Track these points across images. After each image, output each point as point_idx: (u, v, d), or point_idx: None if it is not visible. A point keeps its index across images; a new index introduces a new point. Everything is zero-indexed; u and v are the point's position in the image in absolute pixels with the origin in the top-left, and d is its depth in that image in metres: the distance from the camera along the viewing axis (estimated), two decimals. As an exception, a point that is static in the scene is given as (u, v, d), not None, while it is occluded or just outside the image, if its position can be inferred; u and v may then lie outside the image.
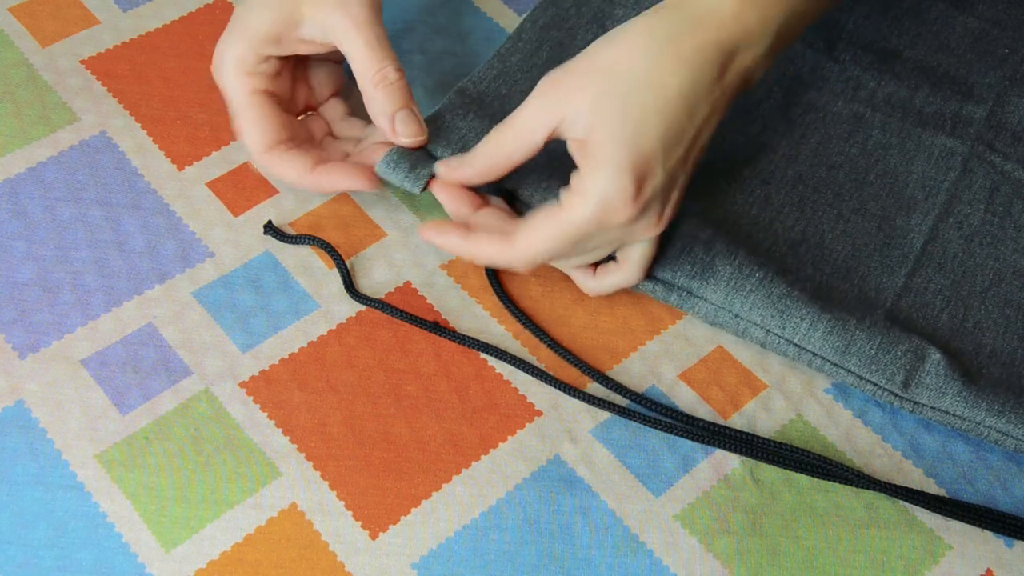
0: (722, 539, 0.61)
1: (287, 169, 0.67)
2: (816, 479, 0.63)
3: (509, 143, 0.62)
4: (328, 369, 0.65)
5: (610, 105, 0.59)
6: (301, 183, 0.67)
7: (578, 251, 0.63)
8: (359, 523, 0.60)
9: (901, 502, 0.62)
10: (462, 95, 0.72)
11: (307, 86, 0.72)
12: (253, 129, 0.67)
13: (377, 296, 0.68)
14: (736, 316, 0.66)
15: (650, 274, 0.67)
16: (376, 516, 0.60)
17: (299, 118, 0.72)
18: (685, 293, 0.67)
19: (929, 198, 0.73)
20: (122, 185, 0.71)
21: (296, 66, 0.71)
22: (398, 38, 0.80)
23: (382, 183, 0.66)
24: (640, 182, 0.59)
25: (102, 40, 0.78)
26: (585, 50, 0.62)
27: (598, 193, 0.59)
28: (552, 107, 0.60)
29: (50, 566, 0.58)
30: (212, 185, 0.72)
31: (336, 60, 0.73)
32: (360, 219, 0.71)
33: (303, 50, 0.68)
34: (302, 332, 0.66)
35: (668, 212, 0.62)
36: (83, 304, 0.66)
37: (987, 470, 0.64)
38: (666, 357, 0.67)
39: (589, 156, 0.59)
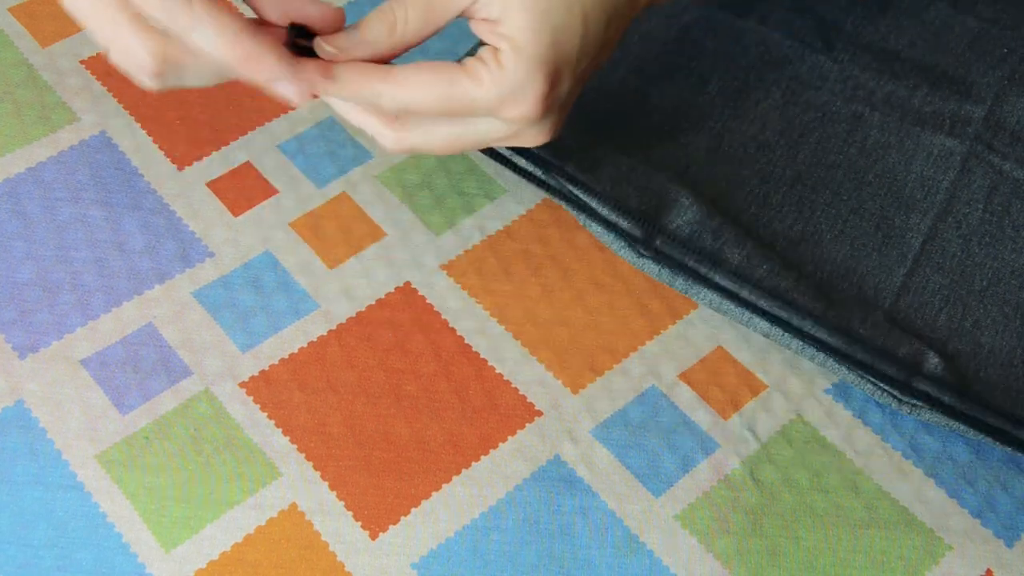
0: (722, 539, 0.61)
1: (218, 19, 0.51)
2: (816, 479, 0.63)
3: (414, 27, 0.56)
4: (328, 369, 0.65)
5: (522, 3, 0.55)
6: (229, 48, 0.52)
7: (450, 122, 0.58)
8: (359, 523, 0.60)
9: (901, 502, 0.62)
10: None
11: None
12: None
13: (377, 297, 0.68)
14: (742, 304, 0.66)
15: (658, 250, 0.67)
16: (376, 516, 0.60)
17: None
18: (692, 276, 0.67)
19: (928, 197, 0.73)
20: (122, 185, 0.71)
21: None
22: (398, 38, 0.80)
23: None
24: (553, 83, 0.56)
25: (102, 40, 0.78)
26: None
27: (511, 78, 0.55)
28: None
29: (50, 566, 0.58)
30: (212, 185, 0.72)
31: None
32: (360, 219, 0.71)
33: None
34: (302, 332, 0.66)
35: (559, 125, 0.59)
36: (83, 304, 0.66)
37: (987, 470, 0.64)
38: (666, 357, 0.67)
39: (505, 39, 0.55)
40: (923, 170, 0.74)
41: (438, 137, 0.59)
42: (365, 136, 0.75)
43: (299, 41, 0.56)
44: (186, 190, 0.71)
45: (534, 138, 0.59)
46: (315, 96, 0.56)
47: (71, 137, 0.73)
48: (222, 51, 0.52)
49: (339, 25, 0.56)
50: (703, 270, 0.67)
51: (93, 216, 0.69)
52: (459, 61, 0.57)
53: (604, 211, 0.68)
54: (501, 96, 0.56)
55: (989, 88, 0.79)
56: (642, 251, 0.68)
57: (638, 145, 0.74)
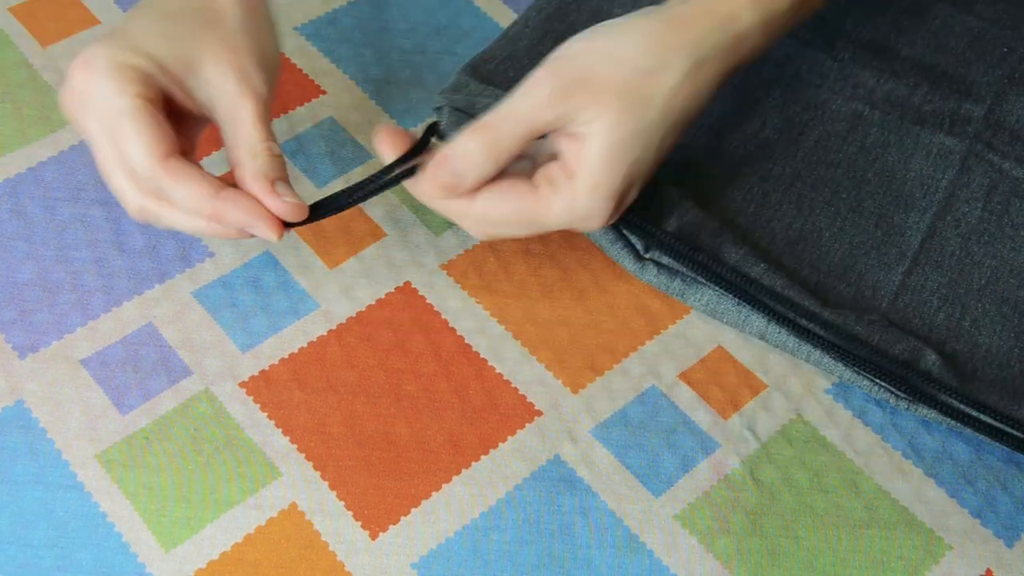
0: (722, 539, 0.61)
1: (191, 185, 0.57)
2: (816, 479, 0.63)
3: (514, 146, 0.60)
4: (328, 369, 0.65)
5: (624, 130, 0.60)
6: (200, 208, 0.58)
7: (533, 230, 0.63)
8: (359, 523, 0.60)
9: (901, 502, 0.62)
10: (473, 71, 0.73)
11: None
12: (146, 132, 0.57)
13: (377, 297, 0.68)
14: (738, 304, 0.66)
15: (658, 260, 0.67)
16: (376, 516, 0.60)
17: None
18: (689, 280, 0.67)
19: (927, 196, 0.73)
20: (122, 185, 0.71)
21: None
22: (399, 38, 0.80)
23: (288, 229, 0.61)
24: (619, 205, 0.62)
25: (101, 39, 0.78)
26: (609, 40, 0.62)
27: (582, 208, 0.61)
28: (568, 98, 0.60)
29: (50, 566, 0.58)
30: (212, 185, 0.72)
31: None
32: (360, 219, 0.71)
33: (178, 99, 0.60)
34: (302, 332, 0.66)
35: (620, 214, 0.64)
36: (83, 304, 0.66)
37: (987, 470, 0.64)
38: (666, 357, 0.67)
39: (583, 165, 0.60)
40: (922, 169, 0.74)
41: (512, 233, 0.63)
42: (365, 134, 0.75)
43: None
44: (186, 190, 0.71)
45: (593, 227, 0.64)
46: (288, 227, 0.61)
47: (71, 137, 0.73)
48: (195, 207, 0.58)
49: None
50: (702, 257, 0.66)
51: (93, 216, 0.69)
52: (533, 173, 0.62)
53: None
54: (572, 221, 0.62)
55: (989, 87, 0.79)
56: (641, 252, 0.68)
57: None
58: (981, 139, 0.76)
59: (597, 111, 0.59)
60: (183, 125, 0.61)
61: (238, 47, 0.60)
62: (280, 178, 0.60)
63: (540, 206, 0.61)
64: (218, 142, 0.73)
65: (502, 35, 0.77)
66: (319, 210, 0.62)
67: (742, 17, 0.63)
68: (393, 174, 0.62)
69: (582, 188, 0.60)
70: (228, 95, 0.60)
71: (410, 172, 0.62)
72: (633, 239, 0.68)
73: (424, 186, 0.61)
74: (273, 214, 0.59)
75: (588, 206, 0.61)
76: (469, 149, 0.60)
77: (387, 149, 0.62)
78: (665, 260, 0.67)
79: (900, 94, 0.78)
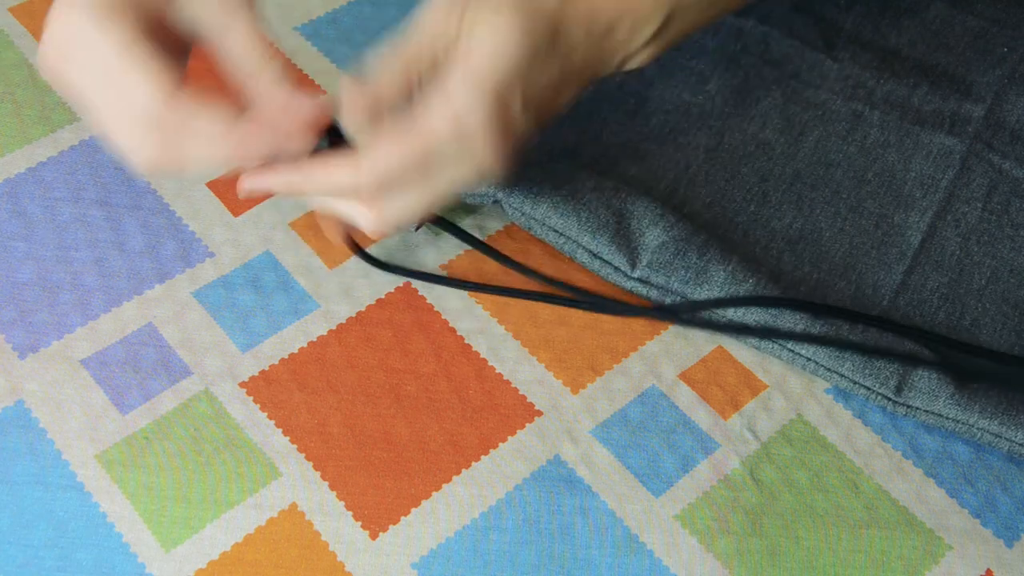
0: (722, 539, 0.61)
1: (211, 112, 0.54)
2: (816, 479, 0.63)
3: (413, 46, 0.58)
4: (328, 369, 0.65)
5: (508, 34, 0.57)
6: (225, 136, 0.54)
7: (428, 172, 0.58)
8: (359, 523, 0.60)
9: (901, 502, 0.62)
10: None
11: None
12: (152, 66, 0.54)
13: (377, 297, 0.68)
14: (730, 321, 0.66)
15: (645, 279, 0.67)
16: (376, 516, 0.60)
17: None
18: (679, 298, 0.67)
19: (927, 196, 0.73)
20: (122, 185, 0.71)
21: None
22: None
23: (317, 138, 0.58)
24: (499, 128, 0.58)
25: (101, 39, 0.78)
26: None
27: (457, 106, 0.56)
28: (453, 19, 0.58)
29: (50, 566, 0.58)
30: (212, 185, 0.71)
31: None
32: (360, 219, 0.71)
33: (161, 29, 0.56)
34: (302, 332, 0.66)
35: (511, 155, 0.60)
36: (83, 304, 0.66)
37: (987, 470, 0.64)
38: (666, 357, 0.67)
39: (457, 59, 0.57)
40: (922, 169, 0.74)
41: (412, 200, 0.59)
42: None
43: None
44: (186, 190, 0.71)
45: (491, 167, 0.59)
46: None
47: (71, 137, 0.73)
48: (218, 136, 0.55)
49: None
50: (689, 291, 0.67)
51: (93, 216, 0.69)
52: None
53: (584, 240, 0.68)
54: (456, 133, 0.57)
55: (989, 87, 0.79)
56: (628, 276, 0.68)
57: (636, 146, 0.74)
58: (981, 139, 0.76)
59: (487, 18, 0.57)
60: (169, 56, 0.57)
61: None
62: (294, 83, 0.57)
63: (418, 128, 0.56)
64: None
65: None
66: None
67: None
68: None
69: (454, 80, 0.57)
70: (218, 16, 0.57)
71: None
72: (618, 261, 0.68)
73: (345, 114, 0.58)
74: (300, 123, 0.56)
75: (465, 102, 0.56)
76: (381, 70, 0.59)
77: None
78: (654, 280, 0.67)
79: (900, 94, 0.78)
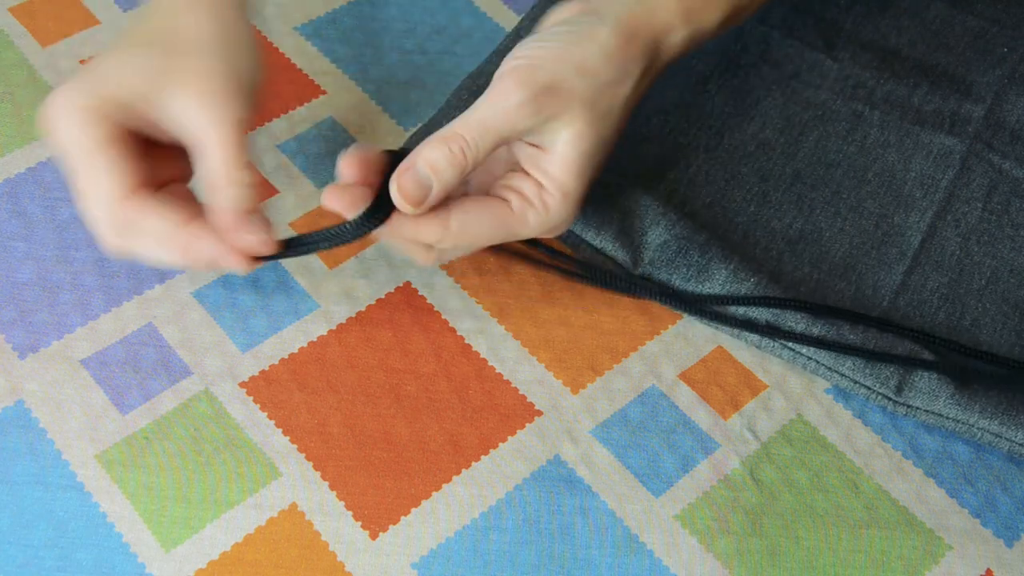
0: (722, 539, 0.61)
1: (156, 218, 0.58)
2: (816, 479, 0.63)
3: (481, 154, 0.59)
4: (328, 369, 0.65)
5: (590, 141, 0.61)
6: (170, 242, 0.59)
7: (506, 239, 0.63)
8: (359, 523, 0.60)
9: (901, 502, 0.62)
10: (468, 92, 0.73)
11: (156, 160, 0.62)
12: (110, 169, 0.58)
13: (377, 297, 0.68)
14: (731, 321, 0.66)
15: (647, 277, 0.67)
16: (376, 516, 0.60)
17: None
18: (676, 302, 0.67)
19: (927, 196, 0.73)
20: (122, 185, 0.71)
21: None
22: (399, 38, 0.80)
23: (262, 261, 0.61)
24: (584, 199, 0.63)
25: (102, 40, 0.78)
26: (574, 50, 0.61)
27: (555, 217, 0.61)
28: (540, 109, 0.59)
29: (50, 566, 0.58)
30: (212, 185, 0.71)
31: None
32: (360, 219, 0.71)
33: (153, 133, 0.60)
34: (302, 332, 0.66)
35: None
36: (83, 304, 0.66)
37: (987, 470, 0.64)
38: (666, 357, 0.67)
39: (549, 178, 0.61)
40: (922, 169, 0.74)
41: (479, 247, 0.64)
42: (365, 134, 0.75)
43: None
44: (186, 190, 0.71)
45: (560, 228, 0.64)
46: (262, 260, 0.61)
47: (71, 137, 0.73)
48: (164, 240, 0.59)
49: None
50: (691, 289, 0.67)
51: (93, 216, 0.69)
52: (505, 192, 0.62)
53: (588, 236, 0.68)
54: (544, 231, 0.63)
55: (989, 87, 0.79)
56: (631, 273, 0.68)
57: (636, 146, 0.74)
58: (981, 139, 0.76)
59: (565, 121, 0.60)
60: (167, 155, 0.61)
61: (206, 73, 0.59)
62: (251, 210, 0.59)
63: (515, 220, 0.61)
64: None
65: (494, 51, 0.77)
66: (292, 247, 0.61)
67: (675, 30, 0.64)
68: (367, 221, 0.60)
69: (554, 200, 0.61)
70: (193, 126, 0.58)
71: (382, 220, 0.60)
72: (621, 258, 0.68)
73: (392, 195, 0.59)
74: (240, 251, 0.59)
75: (560, 215, 0.62)
76: (435, 159, 0.58)
77: (353, 174, 0.60)
78: (656, 277, 0.67)
79: (900, 94, 0.78)
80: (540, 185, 0.61)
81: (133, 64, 0.59)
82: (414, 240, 0.61)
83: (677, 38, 0.64)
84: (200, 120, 0.58)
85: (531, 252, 0.68)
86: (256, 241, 0.59)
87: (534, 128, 0.60)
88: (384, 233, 0.61)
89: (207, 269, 0.61)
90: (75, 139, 0.58)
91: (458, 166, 0.59)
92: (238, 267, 0.60)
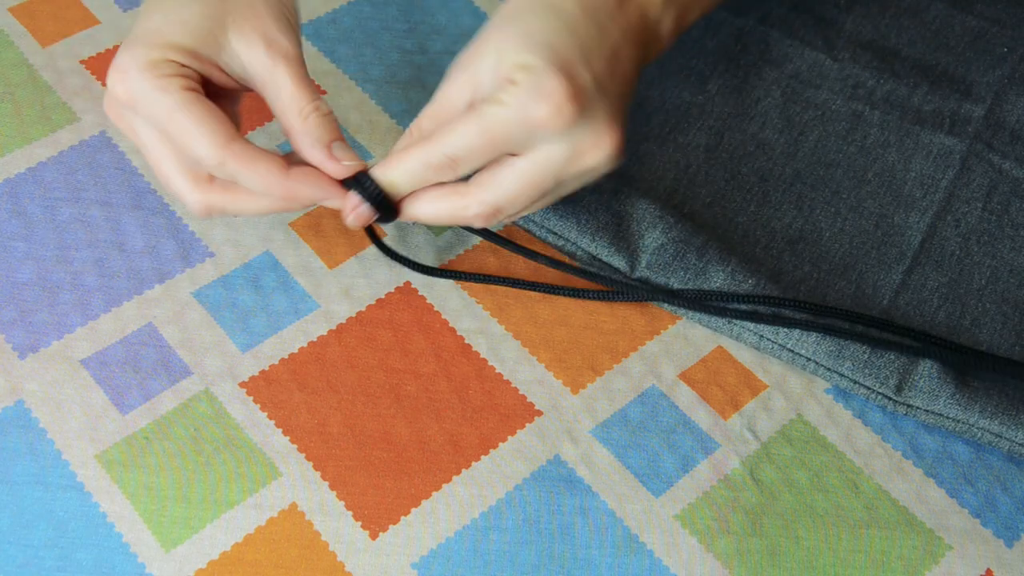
0: (722, 539, 0.61)
1: (259, 167, 0.58)
2: (816, 479, 0.63)
3: (429, 132, 0.59)
4: (328, 369, 0.65)
5: (513, 34, 0.58)
6: (271, 188, 0.58)
7: (514, 165, 0.59)
8: (359, 523, 0.60)
9: (901, 502, 0.62)
10: None
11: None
12: (205, 122, 0.57)
13: (377, 297, 0.68)
14: (730, 321, 0.66)
15: (644, 280, 0.67)
16: (376, 516, 0.60)
17: None
18: (676, 301, 0.67)
19: (927, 196, 0.73)
20: (122, 185, 0.71)
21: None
22: (399, 38, 0.80)
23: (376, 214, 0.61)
24: (567, 76, 0.57)
25: (102, 40, 0.78)
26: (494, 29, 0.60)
27: (527, 86, 0.56)
28: (461, 79, 0.59)
29: (50, 566, 0.58)
30: (212, 185, 0.72)
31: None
32: (360, 219, 0.71)
33: (216, 79, 0.60)
34: (302, 332, 0.66)
35: (617, 126, 0.60)
36: (83, 304, 0.66)
37: (987, 470, 0.64)
38: (666, 357, 0.67)
39: (511, 71, 0.57)
40: (922, 169, 0.74)
41: (511, 184, 0.60)
42: (364, 134, 0.75)
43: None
44: (186, 190, 0.71)
45: (595, 144, 0.59)
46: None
47: (71, 137, 0.73)
48: (266, 189, 0.59)
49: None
50: (687, 293, 0.67)
51: (93, 216, 0.69)
52: None
53: (584, 243, 0.68)
54: (525, 104, 0.56)
55: (989, 87, 0.79)
56: (627, 278, 0.68)
57: (636, 146, 0.74)
58: (981, 139, 0.76)
59: (485, 56, 0.58)
60: (223, 103, 0.61)
61: (258, 12, 0.60)
62: (335, 139, 0.60)
63: (492, 107, 0.57)
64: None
65: None
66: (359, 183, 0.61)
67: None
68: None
69: (518, 74, 0.57)
70: (260, 64, 0.59)
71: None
72: (617, 263, 0.68)
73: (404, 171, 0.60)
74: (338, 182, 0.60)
75: (527, 81, 0.56)
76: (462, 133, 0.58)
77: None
78: (654, 281, 0.67)
79: (900, 94, 0.78)
80: (507, 79, 0.57)
81: (183, 14, 0.59)
82: (410, 171, 0.60)
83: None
84: (265, 57, 0.59)
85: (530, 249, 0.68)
86: (349, 168, 0.60)
87: (473, 95, 0.59)
88: (389, 179, 0.60)
89: (301, 208, 0.61)
90: (160, 94, 0.57)
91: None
92: (345, 205, 0.60)
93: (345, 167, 0.60)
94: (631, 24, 0.62)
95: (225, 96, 0.62)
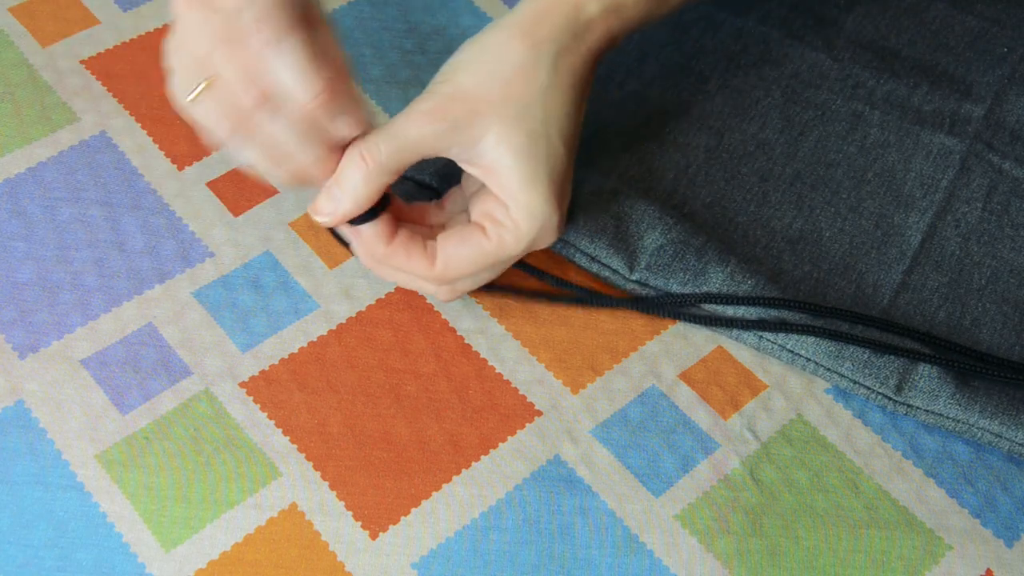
0: (722, 539, 0.61)
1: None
2: (816, 479, 0.63)
3: (387, 167, 0.59)
4: (328, 369, 0.65)
5: (519, 147, 0.60)
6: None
7: (493, 273, 0.65)
8: (359, 523, 0.60)
9: (901, 502, 0.62)
10: None
11: None
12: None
13: (377, 297, 0.68)
14: (729, 322, 0.66)
15: (644, 282, 0.67)
16: (376, 516, 0.60)
17: None
18: (675, 306, 0.67)
19: (927, 196, 0.73)
20: (122, 185, 0.71)
21: None
22: (399, 38, 0.80)
23: None
24: (560, 205, 0.62)
25: (102, 40, 0.78)
26: (475, 55, 0.62)
27: (531, 230, 0.61)
28: (443, 136, 0.59)
29: (50, 566, 0.58)
30: (212, 185, 0.72)
31: None
32: (360, 219, 0.71)
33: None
34: (302, 332, 0.66)
35: (565, 216, 0.65)
36: (83, 304, 0.66)
37: (987, 470, 0.64)
38: (666, 357, 0.67)
39: (506, 190, 0.60)
40: (922, 168, 0.74)
41: (478, 282, 0.65)
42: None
43: None
44: (186, 190, 0.71)
45: (548, 241, 0.64)
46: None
47: (71, 137, 0.73)
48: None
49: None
50: (686, 295, 0.67)
51: (93, 216, 0.69)
52: (481, 219, 0.63)
53: (582, 244, 0.68)
54: (528, 245, 0.62)
55: (989, 87, 0.79)
56: (627, 278, 0.68)
57: (636, 146, 0.74)
58: (981, 139, 0.76)
59: (480, 127, 0.59)
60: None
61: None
62: None
63: (493, 246, 0.62)
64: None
65: None
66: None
67: (587, 7, 0.63)
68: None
69: (519, 213, 0.61)
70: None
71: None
72: (616, 264, 0.68)
73: (312, 211, 0.61)
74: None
75: (532, 223, 0.61)
76: (347, 177, 0.59)
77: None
78: (652, 283, 0.67)
79: (900, 94, 0.78)
80: (504, 203, 0.61)
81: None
82: (411, 274, 0.63)
83: (592, 12, 0.63)
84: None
85: (529, 284, 0.69)
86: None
87: (452, 143, 0.60)
88: (385, 274, 0.64)
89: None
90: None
91: (373, 184, 0.59)
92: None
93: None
94: (587, 74, 0.64)
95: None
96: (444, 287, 0.64)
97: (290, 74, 0.56)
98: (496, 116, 0.60)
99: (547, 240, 0.63)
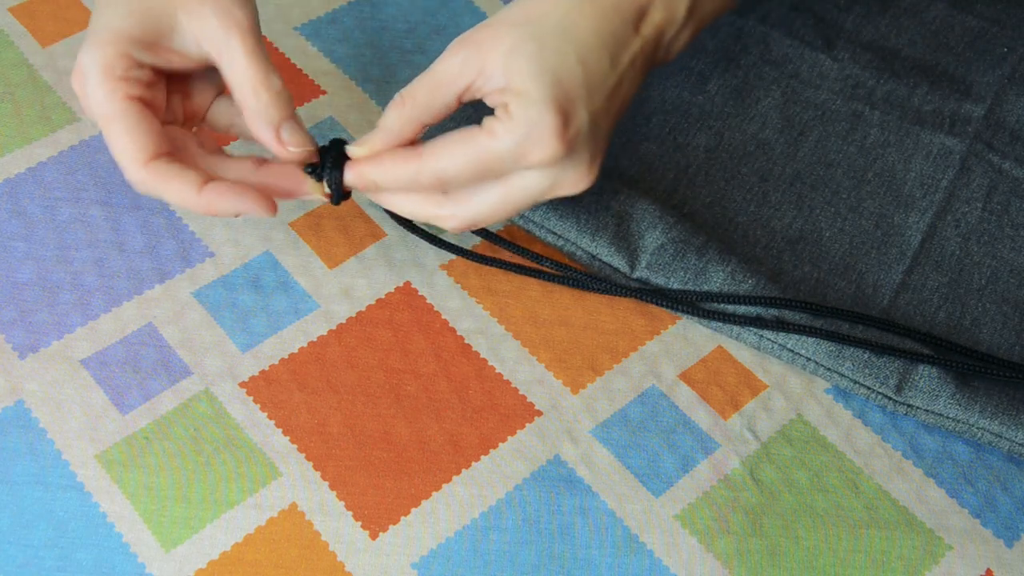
0: (722, 539, 0.61)
1: (170, 186, 0.58)
2: (816, 479, 0.63)
3: (422, 103, 0.59)
4: (328, 369, 0.65)
5: (527, 51, 0.58)
6: (188, 204, 0.59)
7: (492, 186, 0.61)
8: (359, 523, 0.60)
9: (901, 502, 0.62)
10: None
11: (185, 96, 0.63)
12: (127, 138, 0.58)
13: (377, 297, 0.68)
14: (729, 318, 0.66)
15: (644, 280, 0.67)
16: (376, 516, 0.60)
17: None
18: (675, 303, 0.67)
19: (927, 196, 0.73)
20: (122, 185, 0.71)
21: (171, 76, 0.62)
22: (399, 38, 0.80)
23: (275, 207, 0.60)
24: (565, 118, 0.58)
25: (101, 39, 0.78)
26: (502, 9, 0.61)
27: (523, 122, 0.57)
28: (468, 62, 0.58)
29: (50, 566, 0.58)
30: (212, 185, 0.71)
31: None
32: (360, 219, 0.71)
33: (176, 63, 0.60)
34: (302, 332, 0.66)
35: (596, 164, 0.61)
36: (83, 304, 0.66)
37: (987, 470, 0.64)
38: (666, 357, 0.67)
39: (510, 94, 0.58)
40: (922, 169, 0.75)
41: (488, 204, 0.61)
42: (364, 133, 0.75)
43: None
44: (186, 190, 0.71)
45: (574, 183, 0.61)
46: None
47: (71, 137, 0.73)
48: (183, 205, 0.59)
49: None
50: (685, 294, 0.67)
51: (93, 216, 0.69)
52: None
53: (584, 243, 0.68)
54: (518, 142, 0.58)
55: (989, 87, 0.79)
56: (627, 278, 0.68)
57: (636, 146, 0.74)
58: (981, 139, 0.76)
59: (497, 47, 0.58)
60: (197, 83, 0.62)
61: None
62: (285, 117, 0.60)
63: (484, 136, 0.58)
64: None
65: None
66: (325, 164, 0.61)
67: None
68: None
69: (513, 100, 0.57)
70: (212, 39, 0.59)
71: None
72: (617, 263, 0.68)
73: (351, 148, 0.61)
74: (262, 194, 0.59)
75: (526, 116, 0.57)
76: (386, 116, 0.59)
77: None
78: (654, 281, 0.67)
79: (900, 94, 0.78)
80: (504, 104, 0.58)
81: (131, 2, 0.59)
82: (395, 180, 0.60)
83: None
84: (218, 32, 0.59)
85: (530, 264, 0.68)
86: (295, 154, 0.60)
87: (475, 68, 0.59)
88: (371, 179, 0.61)
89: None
90: (103, 101, 0.58)
91: (411, 125, 0.60)
92: (263, 214, 0.60)
93: (291, 153, 0.60)
94: (644, 48, 0.62)
95: (199, 79, 0.63)
96: (447, 205, 0.61)
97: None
98: (512, 32, 0.58)
99: (542, 147, 0.58)
